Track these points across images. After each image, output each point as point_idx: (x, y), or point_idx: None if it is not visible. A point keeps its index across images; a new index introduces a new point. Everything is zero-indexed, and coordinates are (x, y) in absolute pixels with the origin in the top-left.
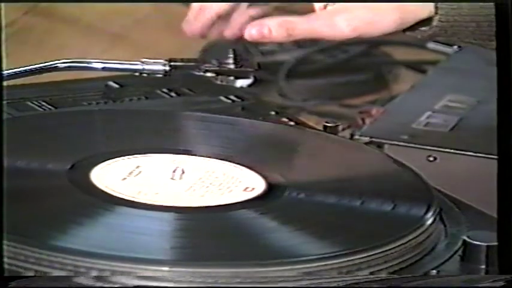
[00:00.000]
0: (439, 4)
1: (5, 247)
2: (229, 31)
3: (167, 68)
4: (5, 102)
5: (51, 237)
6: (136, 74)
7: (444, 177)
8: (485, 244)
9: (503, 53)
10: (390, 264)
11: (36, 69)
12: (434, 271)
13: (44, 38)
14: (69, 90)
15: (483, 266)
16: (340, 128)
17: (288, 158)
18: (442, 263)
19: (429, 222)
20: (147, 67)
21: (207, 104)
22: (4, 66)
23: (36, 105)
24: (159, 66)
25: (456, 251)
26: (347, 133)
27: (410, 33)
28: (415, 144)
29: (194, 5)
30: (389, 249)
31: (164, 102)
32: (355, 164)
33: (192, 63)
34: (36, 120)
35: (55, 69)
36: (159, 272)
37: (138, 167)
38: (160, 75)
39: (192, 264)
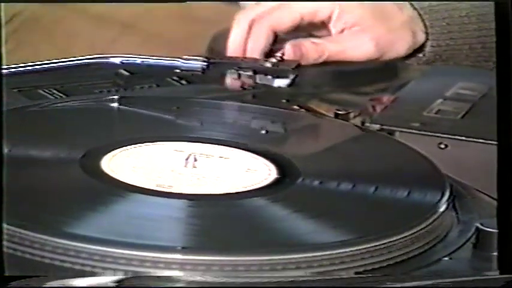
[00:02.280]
0: (430, 29)
1: (7, 234)
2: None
3: (205, 65)
4: (16, 90)
5: (63, 224)
6: (177, 71)
7: (455, 164)
8: (498, 231)
9: (503, 53)
10: (403, 251)
11: (79, 62)
12: (446, 258)
13: (53, 26)
14: (80, 78)
15: (495, 253)
16: (352, 115)
17: (301, 145)
18: (455, 250)
19: (442, 209)
20: (185, 64)
21: (218, 91)
22: (11, 56)
23: (48, 93)
24: (197, 63)
25: (469, 239)
26: (358, 120)
27: (407, 60)
28: (426, 131)
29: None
30: (403, 237)
31: (175, 89)
32: (368, 151)
33: (230, 61)
34: (48, 108)
35: (102, 64)
36: (171, 259)
37: (150, 154)
38: (198, 73)
39: (204, 251)
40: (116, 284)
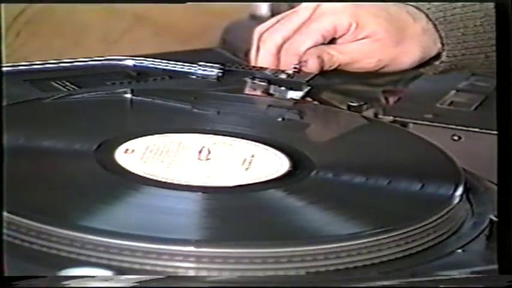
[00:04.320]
0: (445, 40)
1: (18, 225)
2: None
3: (220, 73)
4: (29, 82)
5: (77, 217)
6: (193, 77)
7: (469, 156)
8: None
9: (503, 53)
10: (418, 243)
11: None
12: (460, 250)
13: (65, 18)
14: (93, 70)
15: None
16: (365, 107)
17: (315, 137)
18: (468, 243)
19: (456, 201)
20: (200, 71)
21: (231, 84)
22: (23, 48)
23: (61, 85)
24: (212, 70)
25: (483, 231)
26: (371, 112)
27: (423, 69)
28: (439, 123)
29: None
30: (416, 229)
31: (187, 82)
32: (381, 143)
33: (246, 70)
34: (60, 100)
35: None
36: (185, 252)
37: (164, 146)
38: (214, 80)
39: (218, 244)
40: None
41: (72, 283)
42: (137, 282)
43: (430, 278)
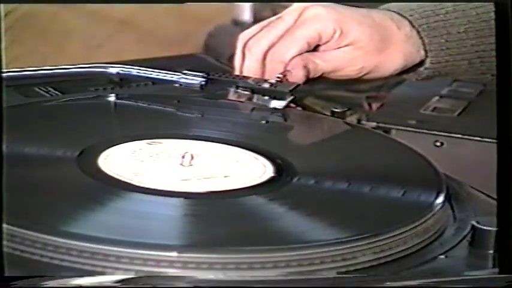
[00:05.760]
0: (429, 46)
1: (4, 232)
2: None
3: (203, 81)
4: (12, 87)
5: (60, 223)
6: (176, 85)
7: (451, 162)
8: (494, 229)
9: (504, 53)
10: (399, 249)
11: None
12: (442, 256)
13: (48, 23)
14: (76, 75)
15: (491, 251)
16: (348, 113)
17: (298, 143)
18: (451, 248)
19: (438, 207)
20: (183, 80)
21: (215, 89)
22: (6, 53)
23: (44, 91)
24: (196, 79)
25: (465, 236)
26: (354, 118)
27: (406, 75)
28: (422, 129)
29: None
30: (398, 235)
31: (171, 88)
32: (364, 150)
33: (229, 79)
34: (44, 106)
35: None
36: (167, 257)
37: (147, 152)
38: (197, 88)
39: (201, 249)
40: (117, 283)
41: (72, 282)
42: (119, 282)
43: (429, 280)
